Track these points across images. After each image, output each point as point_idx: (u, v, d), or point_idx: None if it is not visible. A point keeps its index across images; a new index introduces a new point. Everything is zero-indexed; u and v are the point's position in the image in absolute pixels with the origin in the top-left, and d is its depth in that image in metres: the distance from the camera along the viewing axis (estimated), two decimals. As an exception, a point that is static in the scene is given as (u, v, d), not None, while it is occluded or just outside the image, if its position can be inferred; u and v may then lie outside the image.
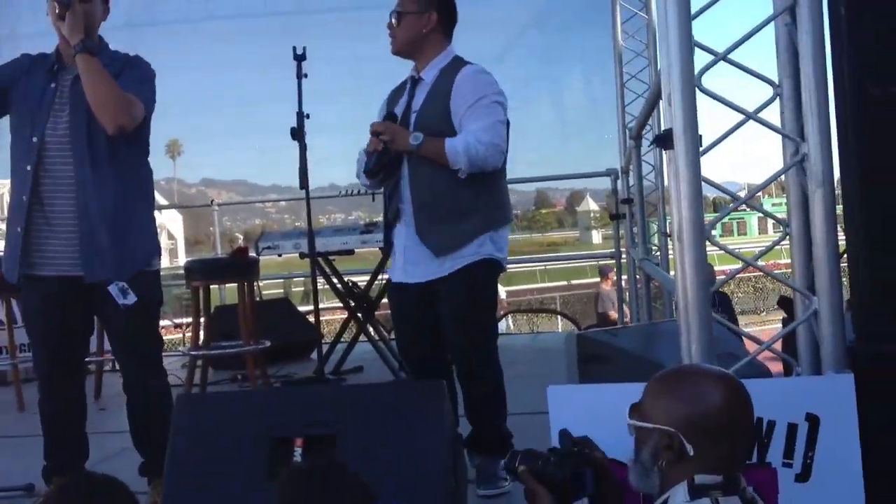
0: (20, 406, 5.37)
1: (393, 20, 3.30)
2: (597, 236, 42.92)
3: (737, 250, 2.96)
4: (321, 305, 5.60)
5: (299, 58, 3.92)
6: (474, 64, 3.33)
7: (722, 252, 3.15)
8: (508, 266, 3.42)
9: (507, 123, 3.31)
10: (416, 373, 3.43)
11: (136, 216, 3.19)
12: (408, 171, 3.26)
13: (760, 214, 30.58)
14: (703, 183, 2.45)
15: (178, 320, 8.58)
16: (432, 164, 3.19)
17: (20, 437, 3.28)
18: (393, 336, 4.91)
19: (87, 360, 5.47)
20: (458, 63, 3.33)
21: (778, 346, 2.68)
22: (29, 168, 3.11)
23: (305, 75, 3.91)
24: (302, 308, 8.07)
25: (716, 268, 14.85)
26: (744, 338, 3.55)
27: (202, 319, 5.44)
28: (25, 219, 3.12)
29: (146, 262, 3.23)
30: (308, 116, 3.89)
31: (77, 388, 3.29)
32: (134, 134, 3.15)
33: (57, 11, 3.00)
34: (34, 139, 3.09)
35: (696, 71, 2.45)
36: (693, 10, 2.43)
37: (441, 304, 3.28)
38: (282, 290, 12.02)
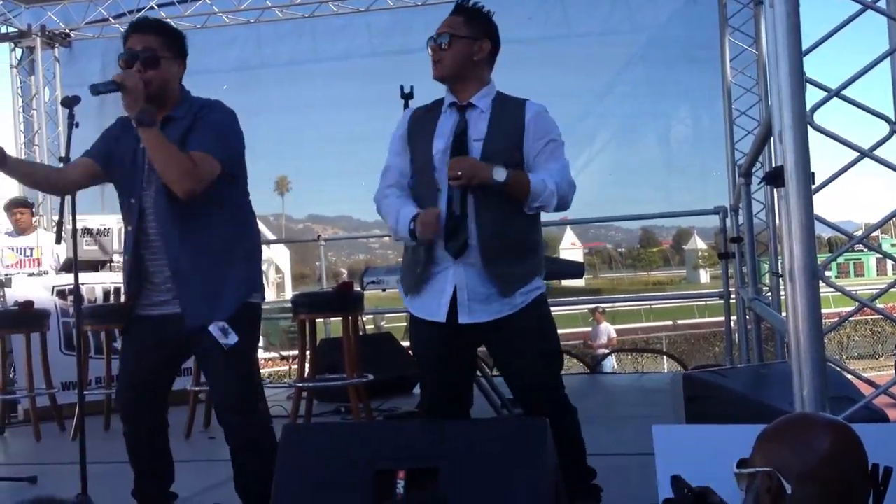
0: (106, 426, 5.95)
1: (443, 43, 3.17)
2: (704, 275, 42.06)
3: (854, 292, 2.86)
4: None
5: (406, 96, 3.96)
6: (531, 100, 3.25)
7: (838, 294, 3.05)
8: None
9: None
10: (441, 411, 3.28)
11: (230, 269, 3.19)
12: (473, 206, 3.12)
13: (880, 255, 29.47)
14: (816, 222, 2.39)
15: (284, 353, 8.75)
16: (499, 200, 3.10)
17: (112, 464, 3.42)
18: (496, 372, 4.89)
19: (196, 389, 5.68)
20: (509, 97, 3.25)
21: (896, 391, 2.58)
22: (130, 228, 3.23)
23: (413, 113, 3.95)
24: (404, 343, 8.13)
25: (832, 310, 14.38)
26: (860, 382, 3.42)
27: (308, 352, 5.55)
28: (129, 274, 3.23)
29: (247, 296, 3.23)
30: (415, 153, 3.92)
31: (156, 418, 3.32)
32: (224, 185, 3.14)
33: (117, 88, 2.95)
34: (132, 200, 3.19)
35: (809, 107, 2.40)
36: (805, 46, 2.39)
37: (509, 341, 3.17)
38: (373, 326, 12.11)
